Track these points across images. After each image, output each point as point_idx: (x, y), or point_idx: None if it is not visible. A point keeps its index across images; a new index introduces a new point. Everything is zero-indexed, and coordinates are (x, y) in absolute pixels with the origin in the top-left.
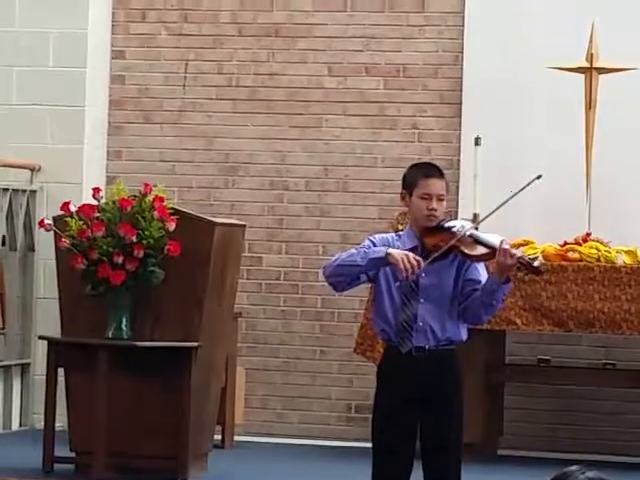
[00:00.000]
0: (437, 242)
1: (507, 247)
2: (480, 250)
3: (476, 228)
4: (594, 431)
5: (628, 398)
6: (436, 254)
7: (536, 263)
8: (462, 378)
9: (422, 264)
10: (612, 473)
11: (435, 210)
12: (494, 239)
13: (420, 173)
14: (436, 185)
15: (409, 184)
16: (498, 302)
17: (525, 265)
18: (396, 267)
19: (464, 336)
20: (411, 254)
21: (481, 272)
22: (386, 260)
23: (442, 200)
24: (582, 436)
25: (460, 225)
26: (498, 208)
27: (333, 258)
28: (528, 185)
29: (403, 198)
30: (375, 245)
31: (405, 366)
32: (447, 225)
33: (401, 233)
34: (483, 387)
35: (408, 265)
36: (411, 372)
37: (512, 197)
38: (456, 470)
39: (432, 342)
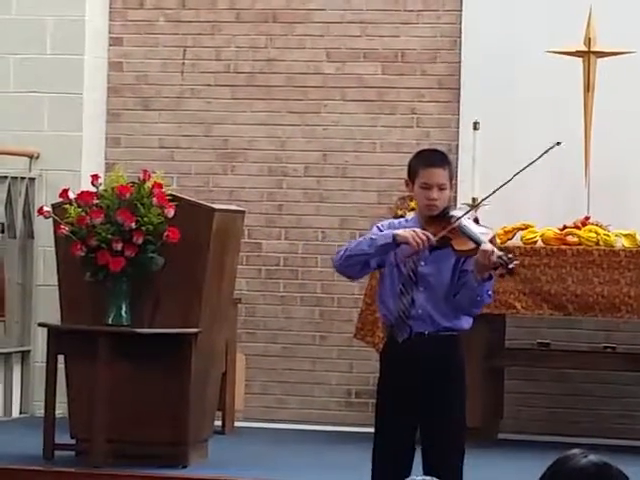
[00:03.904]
0: (435, 231)
1: (487, 248)
2: (470, 245)
3: (476, 218)
4: (594, 414)
5: (628, 381)
6: (434, 245)
7: (512, 265)
8: (465, 365)
9: (432, 238)
10: (613, 456)
11: (435, 200)
12: (480, 236)
13: (421, 162)
14: (436, 174)
15: (412, 173)
16: (483, 298)
17: (502, 265)
18: (407, 244)
19: (466, 324)
20: (419, 229)
21: None
22: (395, 241)
23: (444, 189)
24: (582, 419)
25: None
26: (516, 175)
27: (342, 248)
28: (547, 152)
29: (407, 185)
30: (382, 232)
31: (406, 351)
32: (451, 214)
33: (409, 218)
34: (483, 371)
35: (418, 239)
36: (413, 357)
37: (530, 164)
38: (458, 459)
39: (432, 328)
